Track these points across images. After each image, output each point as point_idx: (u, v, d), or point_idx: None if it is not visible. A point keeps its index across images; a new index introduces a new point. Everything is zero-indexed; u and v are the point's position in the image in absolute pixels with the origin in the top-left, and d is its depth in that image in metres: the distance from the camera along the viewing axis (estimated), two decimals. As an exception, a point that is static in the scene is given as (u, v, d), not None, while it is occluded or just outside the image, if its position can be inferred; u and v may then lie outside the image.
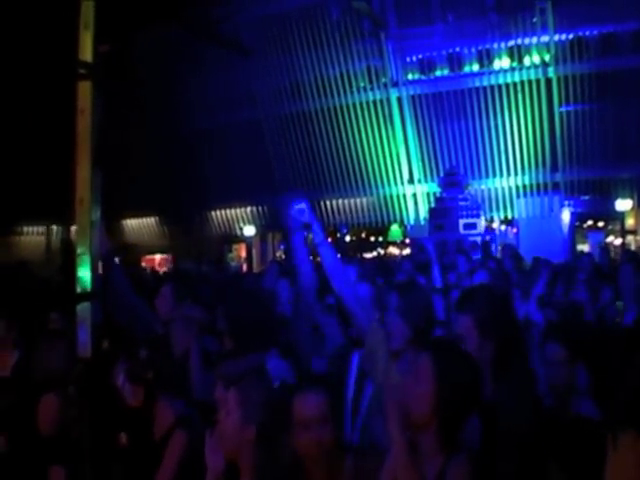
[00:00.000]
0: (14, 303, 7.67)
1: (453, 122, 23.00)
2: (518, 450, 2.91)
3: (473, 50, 22.79)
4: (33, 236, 29.24)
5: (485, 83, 22.57)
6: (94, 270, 3.59)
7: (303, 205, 4.42)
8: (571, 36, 21.70)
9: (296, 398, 3.02)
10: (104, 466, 3.88)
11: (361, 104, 23.73)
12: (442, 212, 19.66)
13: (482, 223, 20.20)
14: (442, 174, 21.55)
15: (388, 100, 23.43)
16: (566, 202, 21.93)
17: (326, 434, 2.93)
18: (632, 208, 21.48)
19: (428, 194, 23.37)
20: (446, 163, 22.74)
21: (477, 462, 2.86)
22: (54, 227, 29.44)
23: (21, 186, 25.63)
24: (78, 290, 3.61)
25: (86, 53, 3.56)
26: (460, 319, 3.15)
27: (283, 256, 25.98)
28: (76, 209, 3.56)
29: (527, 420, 2.92)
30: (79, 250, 3.59)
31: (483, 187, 22.96)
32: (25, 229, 28.95)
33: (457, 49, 22.82)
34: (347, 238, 24.68)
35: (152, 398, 3.80)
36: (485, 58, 22.69)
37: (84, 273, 3.60)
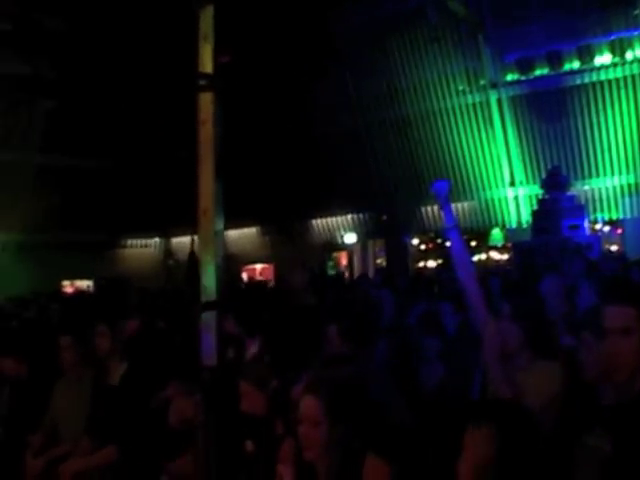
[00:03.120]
0: (119, 316, 7.85)
1: (554, 122, 22.50)
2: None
3: (573, 47, 22.28)
4: (137, 249, 29.99)
5: (586, 80, 22.01)
6: (218, 279, 3.63)
7: (445, 183, 4.43)
8: (674, 27, 21.04)
9: None
10: (230, 473, 3.92)
11: (460, 107, 23.47)
12: (545, 214, 19.30)
13: (587, 224, 19.78)
14: (544, 175, 21.14)
15: (487, 102, 23.11)
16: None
17: None
18: None
19: (530, 196, 22.96)
20: (548, 164, 22.28)
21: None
22: (157, 240, 30.15)
23: (125, 201, 26.38)
24: (203, 299, 3.65)
25: (206, 65, 3.60)
26: (618, 311, 2.98)
27: (384, 263, 25.98)
28: (200, 219, 3.61)
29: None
30: (203, 260, 3.63)
31: (587, 187, 22.39)
32: (129, 242, 29.71)
33: (556, 47, 22.33)
34: (448, 244, 24.45)
35: (276, 405, 3.84)
36: (586, 55, 22.17)
37: (208, 282, 3.64)
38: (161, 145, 25.45)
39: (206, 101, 3.59)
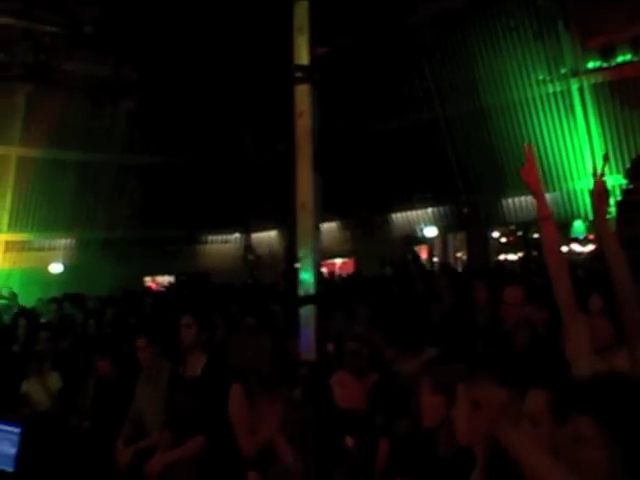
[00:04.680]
0: (203, 309, 7.94)
1: (638, 109, 21.93)
2: None
3: (657, 31, 21.60)
4: (217, 244, 30.30)
5: (672, 64, 21.38)
6: (317, 273, 3.60)
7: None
8: None
9: None
10: (329, 468, 3.89)
11: (540, 97, 22.99)
12: (630, 205, 18.84)
13: (675, 214, 19.25)
14: (628, 165, 20.64)
15: (568, 91, 22.59)
16: None
17: None
18: None
19: (614, 187, 22.40)
20: (632, 153, 21.74)
21: None
22: (237, 235, 30.42)
23: (206, 197, 26.71)
24: (301, 293, 3.63)
25: (302, 56, 3.57)
26: None
27: (464, 257, 25.73)
28: (298, 213, 3.58)
29: None
30: (301, 254, 3.61)
31: (673, 176, 21.75)
32: (210, 238, 30.04)
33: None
34: (536, 235, 24.06)
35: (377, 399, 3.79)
36: (672, 38, 21.47)
37: (307, 276, 3.61)
38: (244, 141, 25.73)
39: (302, 93, 3.56)
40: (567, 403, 2.65)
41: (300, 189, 3.57)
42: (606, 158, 5.01)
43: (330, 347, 4.62)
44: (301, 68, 3.57)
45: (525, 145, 4.59)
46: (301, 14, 3.63)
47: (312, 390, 3.62)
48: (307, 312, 3.60)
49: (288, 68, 3.58)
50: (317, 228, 3.60)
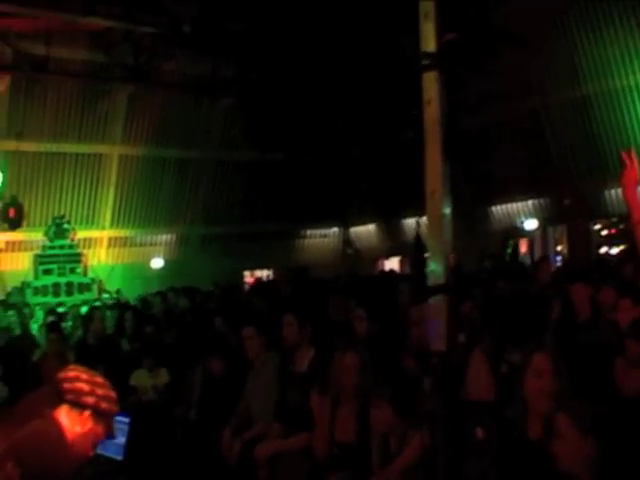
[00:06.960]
0: (306, 304, 7.96)
1: None
2: None
3: None
4: (316, 239, 30.34)
5: None
6: (446, 262, 3.56)
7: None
8: None
9: None
10: (459, 460, 3.85)
11: (644, 84, 22.33)
12: None
13: None
14: None
15: (673, 77, 21.87)
16: None
17: None
18: None
19: None
20: None
21: None
22: (335, 229, 30.42)
23: (305, 192, 26.81)
24: (431, 283, 3.60)
25: (429, 43, 3.54)
26: None
27: (565, 250, 25.14)
28: (427, 201, 3.56)
29: None
30: (430, 243, 3.58)
31: None
32: (308, 232, 30.10)
33: None
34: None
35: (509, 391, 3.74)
36: None
37: (436, 266, 3.58)
38: (346, 136, 25.73)
39: (430, 81, 3.53)
40: None
41: (429, 177, 3.55)
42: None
43: (461, 337, 4.57)
44: (428, 55, 3.53)
45: (624, 152, 4.40)
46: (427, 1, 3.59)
47: (442, 381, 3.59)
48: (437, 302, 3.57)
49: (416, 56, 3.55)
50: (446, 217, 3.56)
